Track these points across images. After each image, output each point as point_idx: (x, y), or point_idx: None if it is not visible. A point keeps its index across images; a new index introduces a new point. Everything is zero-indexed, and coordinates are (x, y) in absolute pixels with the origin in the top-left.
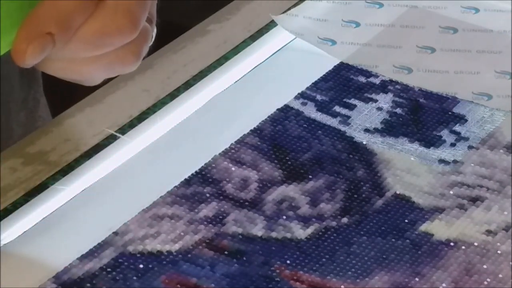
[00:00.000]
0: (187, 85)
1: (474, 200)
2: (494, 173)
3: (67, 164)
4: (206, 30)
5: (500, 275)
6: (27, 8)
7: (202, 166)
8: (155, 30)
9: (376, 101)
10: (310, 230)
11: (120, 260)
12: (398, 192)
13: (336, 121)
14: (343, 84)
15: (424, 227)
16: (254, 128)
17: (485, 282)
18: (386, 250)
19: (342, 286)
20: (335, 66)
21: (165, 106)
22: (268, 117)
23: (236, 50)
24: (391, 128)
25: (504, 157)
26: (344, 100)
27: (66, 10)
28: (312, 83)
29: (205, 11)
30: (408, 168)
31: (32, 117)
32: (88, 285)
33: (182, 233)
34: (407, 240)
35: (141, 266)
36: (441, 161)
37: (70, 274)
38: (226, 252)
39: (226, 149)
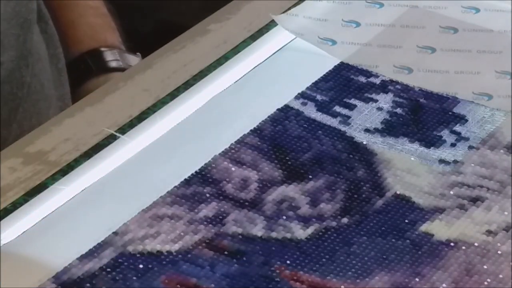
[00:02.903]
0: (187, 85)
1: (475, 200)
2: (495, 173)
3: (67, 164)
4: (206, 30)
5: (501, 276)
6: None
7: (202, 166)
8: None
9: (376, 101)
10: (310, 230)
11: (120, 260)
12: (398, 192)
13: (336, 121)
14: (343, 84)
15: (424, 227)
16: (254, 128)
17: (486, 283)
18: (386, 251)
19: (342, 286)
20: (335, 66)
21: (165, 106)
22: (268, 117)
23: (236, 50)
24: (391, 128)
25: (505, 157)
26: (344, 100)
27: None
28: (312, 83)
29: (205, 11)
30: (408, 168)
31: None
32: (88, 285)
33: (182, 233)
34: (407, 241)
35: (141, 266)
36: (442, 161)
37: (70, 274)
38: (226, 252)
39: (226, 149)
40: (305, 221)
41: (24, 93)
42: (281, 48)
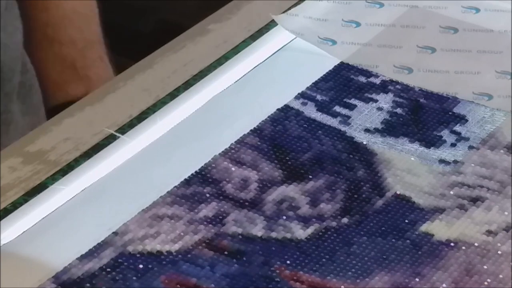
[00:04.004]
0: (187, 85)
1: (475, 200)
2: (495, 173)
3: (67, 164)
4: (206, 30)
5: (501, 276)
6: None
7: (202, 166)
8: None
9: (376, 101)
10: (310, 230)
11: (119, 260)
12: (398, 192)
13: (336, 121)
14: (344, 84)
15: (424, 227)
16: (254, 128)
17: (486, 283)
18: (386, 251)
19: (342, 287)
20: (335, 66)
21: (165, 106)
22: (268, 117)
23: (236, 50)
24: (391, 128)
25: (505, 158)
26: (344, 100)
27: None
28: (312, 83)
29: (205, 11)
30: (408, 168)
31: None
32: (88, 285)
33: (182, 233)
34: (408, 241)
35: (140, 266)
36: (442, 161)
37: (70, 274)
38: (226, 252)
39: (226, 149)
40: (305, 221)
41: None
42: (281, 48)
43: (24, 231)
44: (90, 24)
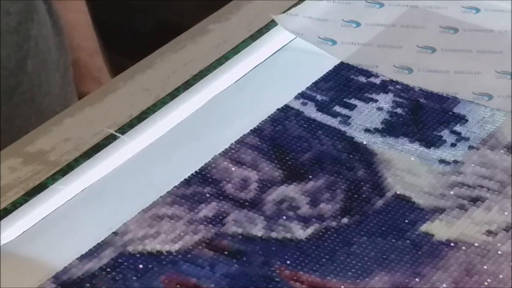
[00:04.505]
0: (187, 85)
1: (475, 200)
2: (495, 173)
3: (67, 164)
4: (206, 30)
5: (501, 276)
6: None
7: (202, 166)
8: None
9: (376, 101)
10: (310, 230)
11: (119, 260)
12: (398, 192)
13: (336, 121)
14: (344, 84)
15: (424, 227)
16: (254, 128)
17: (486, 283)
18: (386, 251)
19: (342, 287)
20: (335, 66)
21: (165, 106)
22: (268, 117)
23: (236, 50)
24: (391, 128)
25: (505, 158)
26: (345, 100)
27: None
28: (312, 83)
29: (205, 11)
30: (408, 168)
31: (65, 80)
32: (88, 285)
33: (182, 233)
34: (408, 241)
35: (140, 266)
36: (442, 161)
37: (70, 274)
38: (226, 252)
39: (226, 149)
40: (305, 221)
41: (30, 46)
42: (281, 48)
43: (24, 231)
44: (92, 35)
